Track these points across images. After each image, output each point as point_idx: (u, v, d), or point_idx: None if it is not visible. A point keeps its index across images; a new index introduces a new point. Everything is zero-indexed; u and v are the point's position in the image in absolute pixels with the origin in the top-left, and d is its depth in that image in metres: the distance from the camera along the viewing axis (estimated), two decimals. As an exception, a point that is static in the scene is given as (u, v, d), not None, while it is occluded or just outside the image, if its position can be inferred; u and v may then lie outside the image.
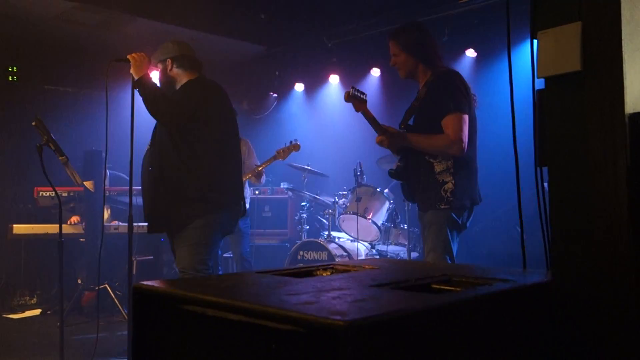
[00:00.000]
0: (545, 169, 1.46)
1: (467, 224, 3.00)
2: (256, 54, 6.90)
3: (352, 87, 2.99)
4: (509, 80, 1.72)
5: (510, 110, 1.83)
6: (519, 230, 1.91)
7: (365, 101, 3.04)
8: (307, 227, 5.61)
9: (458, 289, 1.36)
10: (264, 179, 5.17)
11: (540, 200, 1.56)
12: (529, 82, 1.61)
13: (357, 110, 3.05)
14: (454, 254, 2.94)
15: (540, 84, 1.44)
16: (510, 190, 2.55)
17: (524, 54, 5.02)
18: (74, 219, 5.22)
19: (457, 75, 3.09)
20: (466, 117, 2.92)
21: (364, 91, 3.06)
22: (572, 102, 1.31)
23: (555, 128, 1.34)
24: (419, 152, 3.01)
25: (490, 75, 5.50)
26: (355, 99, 2.99)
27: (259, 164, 5.13)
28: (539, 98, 1.41)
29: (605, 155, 1.26)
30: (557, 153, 1.34)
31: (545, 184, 1.47)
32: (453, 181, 2.91)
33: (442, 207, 2.90)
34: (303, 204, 5.70)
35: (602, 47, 1.27)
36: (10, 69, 5.99)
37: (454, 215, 2.92)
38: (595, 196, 1.27)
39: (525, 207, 1.83)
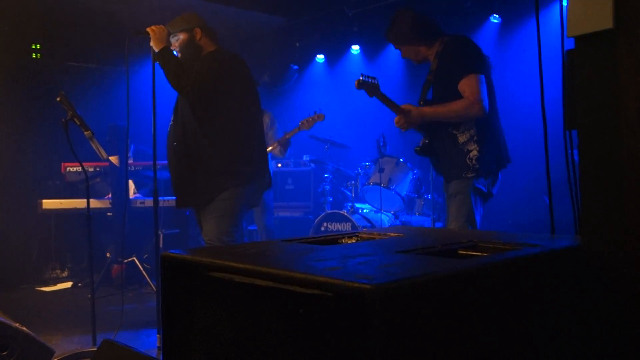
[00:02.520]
0: (574, 134, 1.42)
1: (494, 191, 2.98)
2: (276, 26, 6.83)
3: (362, 75, 2.97)
4: (537, 42, 1.67)
5: (539, 74, 1.78)
6: (545, 199, 1.88)
7: (377, 85, 3.01)
8: (331, 199, 5.62)
9: (485, 254, 1.35)
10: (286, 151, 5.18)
11: (569, 164, 1.52)
12: (556, 46, 1.56)
13: (370, 96, 3.04)
14: (478, 224, 2.93)
15: (569, 44, 1.40)
16: (535, 158, 2.50)
17: (550, 17, 4.88)
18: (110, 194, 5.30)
19: (466, 38, 3.05)
20: (482, 77, 2.87)
21: (374, 76, 3.04)
22: (604, 62, 1.27)
23: (586, 89, 1.30)
24: (442, 126, 2.99)
25: (515, 41, 5.36)
26: (366, 85, 2.97)
27: (281, 136, 5.12)
28: (569, 59, 1.37)
29: (638, 116, 1.23)
30: (588, 115, 1.31)
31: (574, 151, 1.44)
32: (478, 148, 2.88)
33: (469, 175, 2.88)
34: (326, 175, 5.70)
35: (635, 3, 1.22)
36: (33, 47, 6.04)
37: (479, 184, 2.90)
38: (628, 158, 1.23)
39: (551, 174, 1.80)
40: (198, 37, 3.25)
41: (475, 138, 2.90)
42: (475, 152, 2.88)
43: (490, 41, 5.50)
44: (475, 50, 2.96)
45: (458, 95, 2.88)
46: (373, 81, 3.00)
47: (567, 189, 1.60)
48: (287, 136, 5.03)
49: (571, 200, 1.53)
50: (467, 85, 2.84)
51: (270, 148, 4.97)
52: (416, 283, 0.97)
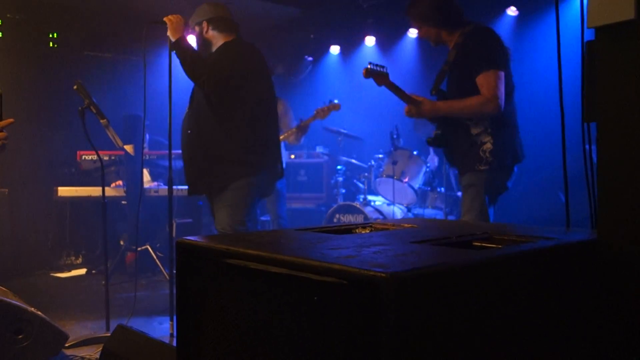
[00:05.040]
0: (592, 127, 1.41)
1: (509, 185, 2.95)
2: (291, 17, 6.82)
3: (370, 63, 2.92)
4: (556, 33, 1.65)
5: (557, 67, 1.76)
6: (560, 195, 1.87)
7: (386, 74, 2.97)
8: (343, 191, 5.62)
9: (500, 246, 1.35)
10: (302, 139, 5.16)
11: (586, 156, 1.51)
12: (574, 39, 1.54)
13: (379, 85, 2.99)
14: (491, 218, 2.91)
15: (589, 35, 1.38)
16: (551, 153, 2.48)
17: (569, 9, 4.83)
18: (118, 182, 5.34)
19: (488, 30, 2.98)
20: (502, 73, 2.82)
21: (383, 65, 3.00)
22: (625, 53, 1.25)
23: (606, 81, 1.29)
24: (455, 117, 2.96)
25: (532, 34, 5.31)
26: (374, 74, 2.93)
27: (295, 124, 5.10)
28: (588, 50, 1.35)
29: (658, 108, 1.21)
30: (607, 107, 1.29)
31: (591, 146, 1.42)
32: (492, 141, 2.85)
33: (481, 168, 2.86)
34: (339, 167, 5.69)
35: (658, -6, 1.20)
36: (50, 35, 6.08)
37: (493, 177, 2.87)
38: (647, 151, 1.22)
39: (567, 168, 1.78)
40: (205, 30, 3.29)
41: (489, 130, 2.87)
42: (489, 145, 2.85)
43: (507, 34, 5.45)
44: (498, 44, 2.90)
45: (475, 90, 2.83)
46: (382, 70, 2.96)
47: (582, 185, 1.58)
48: (303, 124, 4.99)
49: (588, 194, 1.52)
50: (484, 80, 2.80)
51: (284, 136, 4.94)
52: (431, 273, 0.97)
